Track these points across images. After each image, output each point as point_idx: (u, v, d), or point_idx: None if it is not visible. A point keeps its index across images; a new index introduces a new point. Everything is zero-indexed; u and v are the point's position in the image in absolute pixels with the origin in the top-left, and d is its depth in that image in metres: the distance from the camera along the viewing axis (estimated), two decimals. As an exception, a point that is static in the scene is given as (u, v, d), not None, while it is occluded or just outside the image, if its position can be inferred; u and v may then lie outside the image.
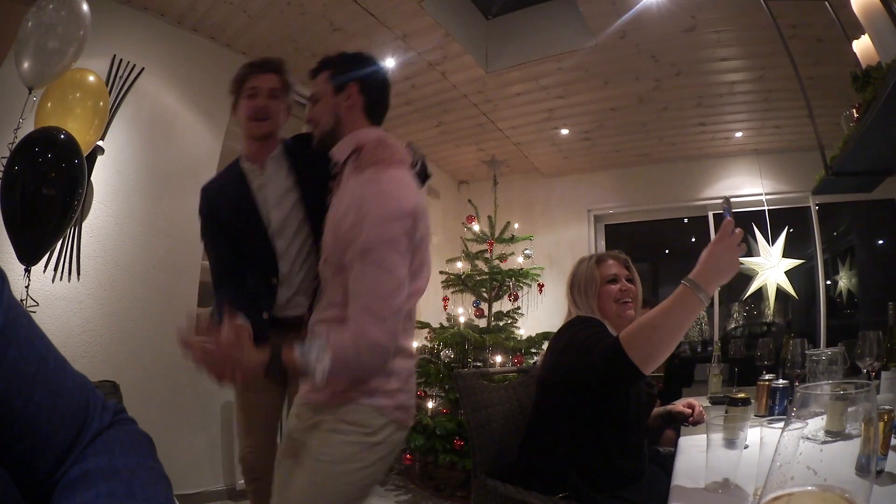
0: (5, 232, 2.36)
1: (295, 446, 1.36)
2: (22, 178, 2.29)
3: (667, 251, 6.28)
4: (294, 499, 1.30)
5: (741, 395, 1.64)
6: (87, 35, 2.50)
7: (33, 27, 2.38)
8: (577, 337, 1.51)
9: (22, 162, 2.31)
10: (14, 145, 2.38)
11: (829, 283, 4.94)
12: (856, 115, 1.70)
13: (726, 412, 1.55)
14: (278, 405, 1.87)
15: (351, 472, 1.25)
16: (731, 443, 1.03)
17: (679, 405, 1.91)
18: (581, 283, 1.73)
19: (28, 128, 2.47)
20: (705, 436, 1.05)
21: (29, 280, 2.48)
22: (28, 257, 2.40)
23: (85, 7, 2.48)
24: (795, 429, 0.43)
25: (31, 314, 0.58)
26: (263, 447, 1.81)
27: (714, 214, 5.33)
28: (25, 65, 2.38)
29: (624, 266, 1.75)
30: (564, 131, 4.97)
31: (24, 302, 2.46)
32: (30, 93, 2.46)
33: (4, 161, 2.42)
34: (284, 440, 1.45)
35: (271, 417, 1.86)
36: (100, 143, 2.91)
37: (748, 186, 5.18)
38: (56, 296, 2.78)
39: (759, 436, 0.91)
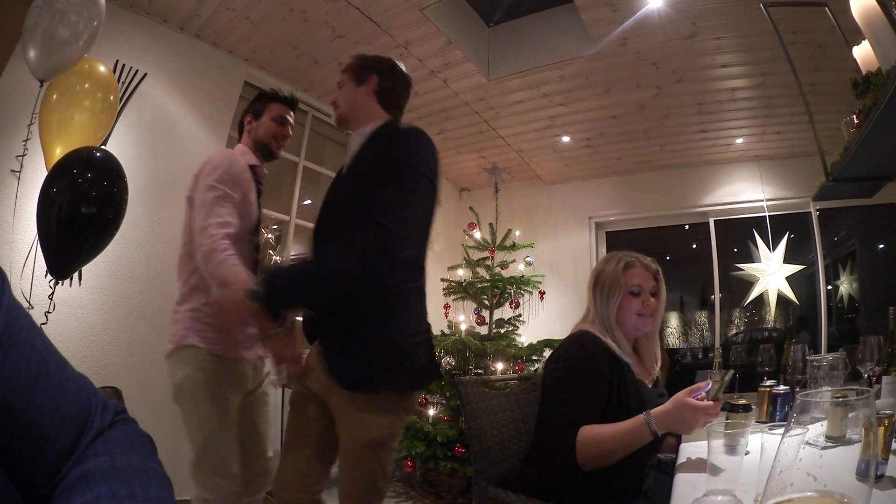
0: (38, 246, 2.37)
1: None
2: (60, 199, 2.24)
3: (668, 258, 6.27)
4: None
5: (742, 401, 1.63)
6: (102, 24, 2.41)
7: (43, 14, 2.28)
8: (564, 382, 1.53)
9: (60, 182, 2.27)
10: (26, 142, 2.36)
11: (829, 288, 4.94)
12: (856, 120, 1.71)
13: (727, 419, 1.55)
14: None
15: None
16: (732, 449, 1.03)
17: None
18: (605, 286, 1.63)
19: (37, 121, 2.42)
20: (706, 442, 1.05)
21: (31, 287, 2.48)
22: (60, 273, 2.39)
23: None
24: (795, 435, 0.44)
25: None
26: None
27: (714, 221, 5.34)
28: (32, 54, 2.28)
29: (653, 276, 1.65)
30: (566, 138, 4.98)
31: (29, 308, 2.46)
32: (41, 85, 2.38)
33: (19, 158, 2.41)
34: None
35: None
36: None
37: (749, 192, 5.18)
38: (57, 301, 2.76)
39: (760, 442, 0.91)
